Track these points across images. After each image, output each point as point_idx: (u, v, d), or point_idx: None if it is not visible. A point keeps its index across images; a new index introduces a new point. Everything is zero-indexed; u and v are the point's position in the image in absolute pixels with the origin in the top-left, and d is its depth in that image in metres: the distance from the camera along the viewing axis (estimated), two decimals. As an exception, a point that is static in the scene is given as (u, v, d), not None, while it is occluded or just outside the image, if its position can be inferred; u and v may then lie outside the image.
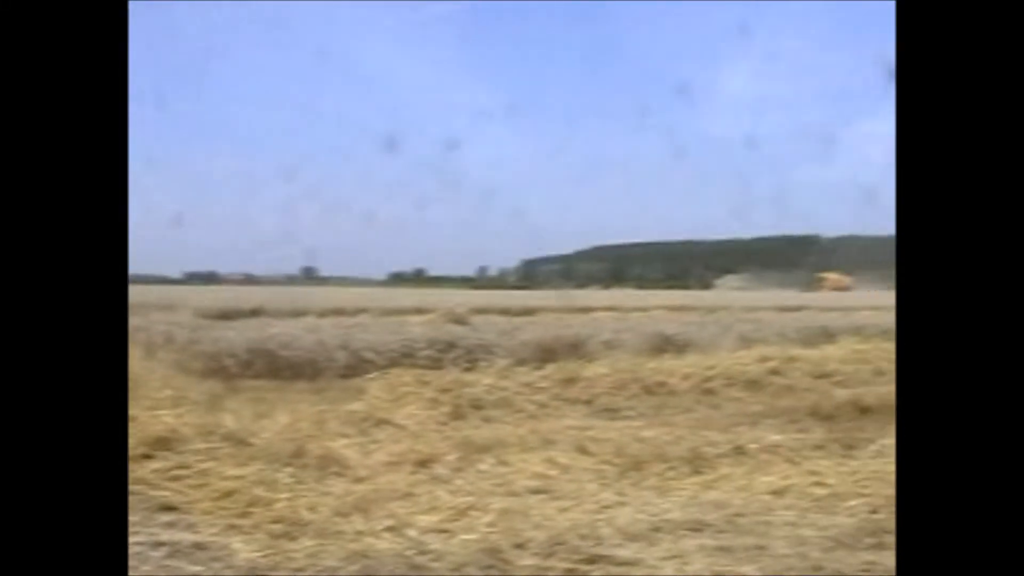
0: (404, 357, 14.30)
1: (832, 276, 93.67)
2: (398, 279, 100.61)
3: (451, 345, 15.28)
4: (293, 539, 5.40)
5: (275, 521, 5.70)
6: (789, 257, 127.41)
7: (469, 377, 11.64)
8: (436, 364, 13.62)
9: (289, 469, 6.83)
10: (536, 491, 6.59)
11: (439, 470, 7.17)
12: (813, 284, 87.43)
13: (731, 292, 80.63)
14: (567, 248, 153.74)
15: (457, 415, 10.10)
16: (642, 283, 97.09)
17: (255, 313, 22.56)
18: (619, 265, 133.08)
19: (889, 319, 22.96)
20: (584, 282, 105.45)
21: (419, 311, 22.86)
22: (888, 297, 49.79)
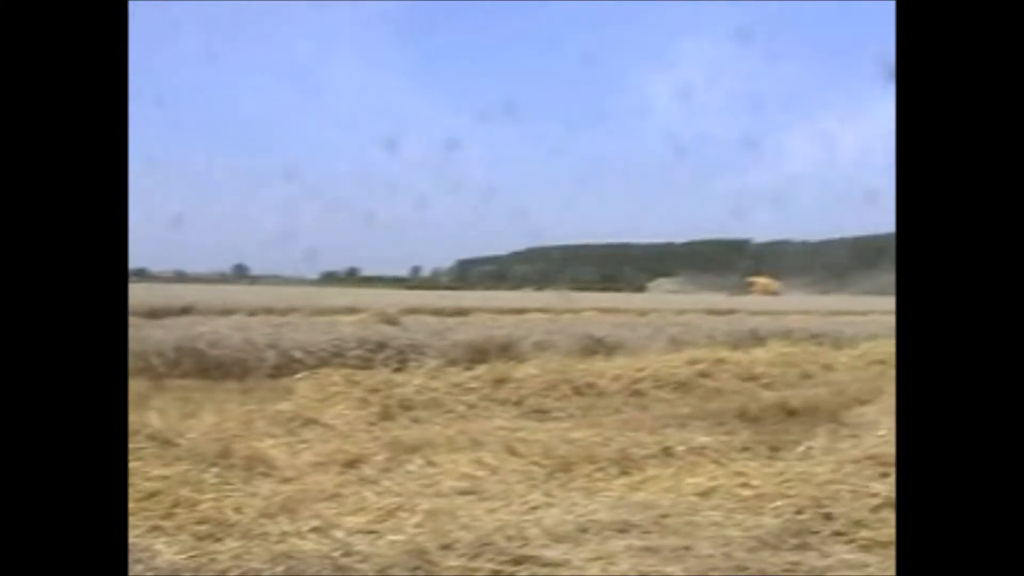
0: (334, 357, 14.22)
1: (760, 280, 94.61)
2: (331, 278, 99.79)
3: (382, 345, 15.23)
4: (218, 540, 5.34)
5: (200, 522, 5.63)
6: (721, 261, 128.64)
7: (399, 377, 11.58)
8: (366, 364, 13.55)
9: (215, 469, 6.75)
10: (464, 492, 6.58)
11: (367, 471, 7.14)
12: (742, 288, 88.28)
13: (664, 295, 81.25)
14: (502, 249, 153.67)
15: (386, 415, 10.05)
16: (576, 285, 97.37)
17: (185, 311, 22.26)
18: (553, 267, 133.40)
19: (814, 323, 23.40)
20: (518, 283, 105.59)
21: (351, 311, 22.71)
22: (814, 301, 50.65)
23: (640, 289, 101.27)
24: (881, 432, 7.91)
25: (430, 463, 7.42)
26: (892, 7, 2.83)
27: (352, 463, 7.31)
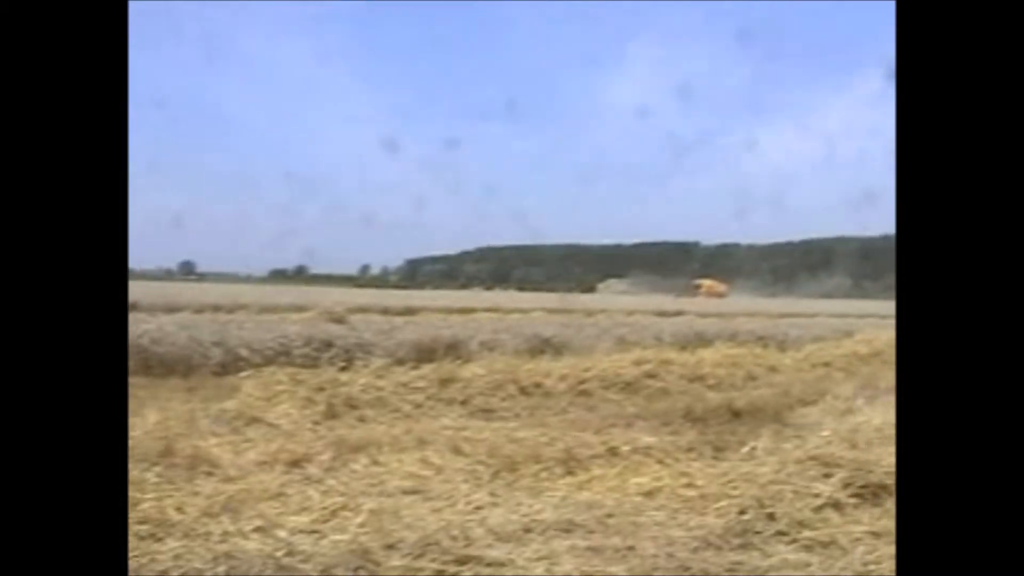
0: (280, 355, 14.15)
1: (707, 283, 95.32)
2: (279, 276, 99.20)
3: (328, 344, 15.16)
4: (159, 540, 5.25)
5: (141, 522, 5.53)
6: (671, 263, 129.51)
7: (345, 376, 11.47)
8: (312, 363, 13.48)
9: (157, 468, 6.65)
10: (409, 491, 6.56)
11: (311, 470, 7.08)
12: (690, 290, 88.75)
13: (613, 296, 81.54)
14: (452, 248, 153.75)
15: (331, 414, 9.98)
16: (525, 285, 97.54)
17: (130, 308, 21.99)
18: (503, 267, 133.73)
19: (760, 325, 23.62)
20: (468, 283, 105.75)
21: (298, 309, 22.60)
22: (761, 304, 51.11)
23: (590, 290, 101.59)
24: (824, 433, 8.00)
25: (375, 462, 7.39)
26: (891, 7, 2.87)
27: (296, 462, 7.26)
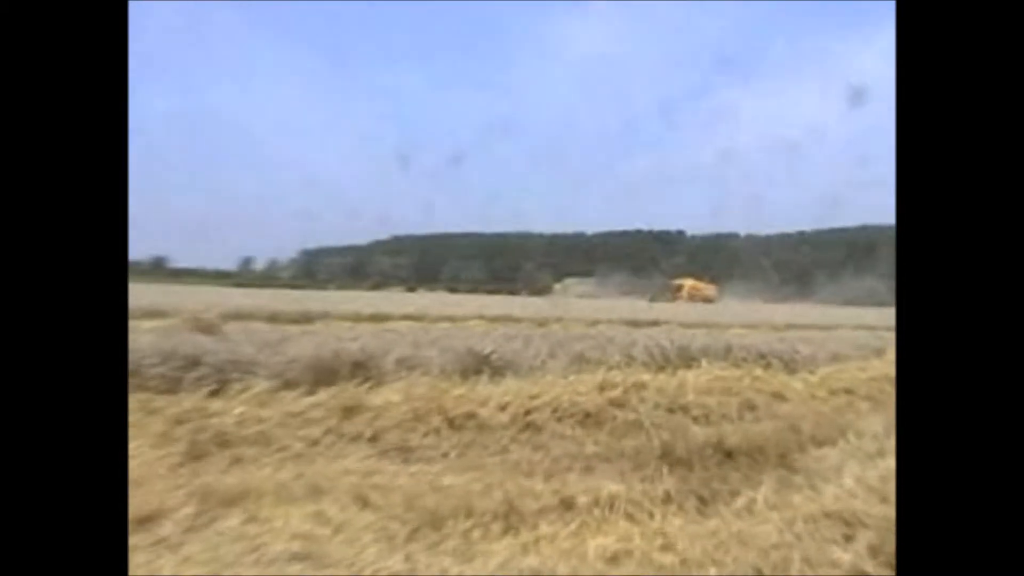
0: (128, 376, 13.93)
1: (689, 282, 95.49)
2: (131, 271, 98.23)
3: (194, 361, 14.94)
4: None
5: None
6: (646, 257, 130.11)
7: (215, 404, 11.42)
8: (172, 386, 13.31)
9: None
10: (298, 557, 6.50)
11: (166, 530, 6.99)
12: (666, 292, 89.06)
13: (573, 300, 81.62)
14: (361, 237, 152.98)
15: (196, 455, 9.85)
16: (458, 286, 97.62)
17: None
18: (427, 260, 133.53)
19: (762, 339, 23.73)
20: (383, 281, 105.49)
21: (153, 314, 22.37)
22: (763, 311, 51.46)
23: (543, 291, 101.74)
24: (846, 481, 8.01)
25: (254, 519, 7.33)
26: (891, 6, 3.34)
27: (146, 520, 7.15)
